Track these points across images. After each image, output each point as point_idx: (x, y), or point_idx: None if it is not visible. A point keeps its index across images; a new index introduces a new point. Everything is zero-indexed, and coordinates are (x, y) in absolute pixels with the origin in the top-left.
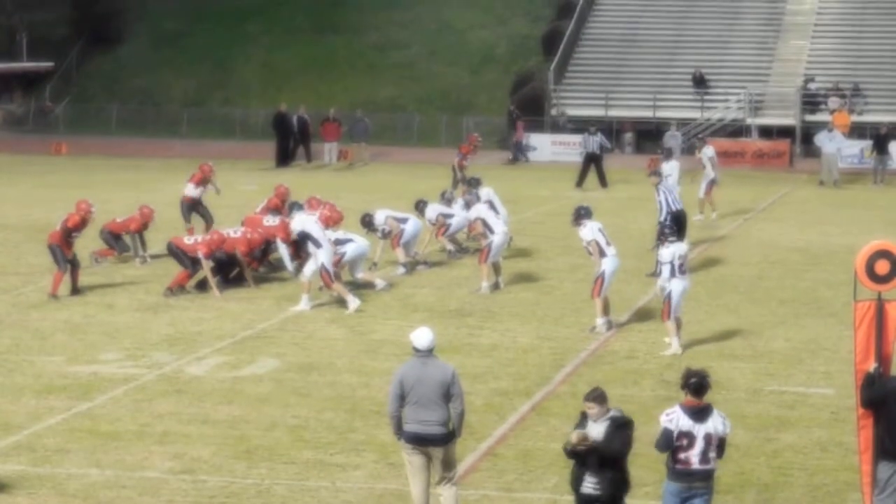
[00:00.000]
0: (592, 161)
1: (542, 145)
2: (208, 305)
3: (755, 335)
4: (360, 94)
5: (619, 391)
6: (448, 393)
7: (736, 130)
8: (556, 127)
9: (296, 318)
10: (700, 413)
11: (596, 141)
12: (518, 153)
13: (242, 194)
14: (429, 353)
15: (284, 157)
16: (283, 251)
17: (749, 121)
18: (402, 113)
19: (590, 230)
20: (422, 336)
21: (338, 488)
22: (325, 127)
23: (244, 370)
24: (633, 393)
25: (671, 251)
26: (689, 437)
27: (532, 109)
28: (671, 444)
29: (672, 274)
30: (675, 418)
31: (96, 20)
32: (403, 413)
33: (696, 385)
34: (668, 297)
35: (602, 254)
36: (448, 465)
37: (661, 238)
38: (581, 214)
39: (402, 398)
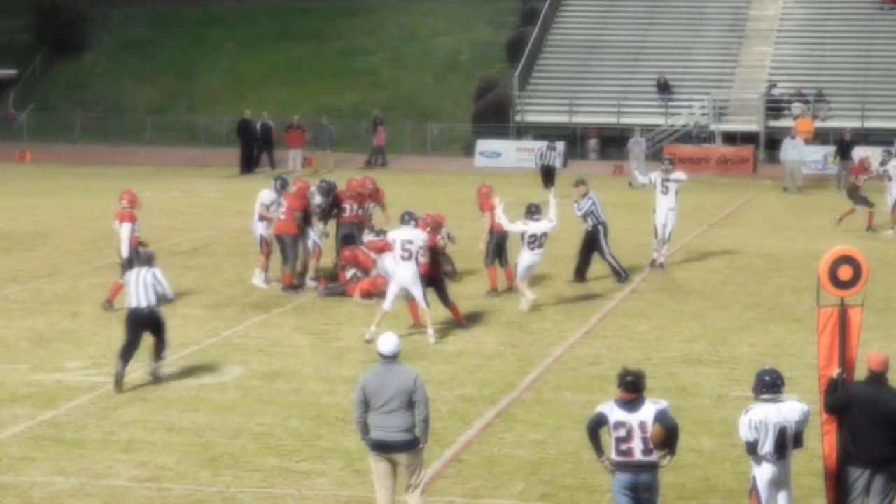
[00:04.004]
0: (548, 174)
1: (507, 151)
2: (173, 313)
3: (720, 341)
4: (325, 100)
5: (584, 397)
6: (411, 399)
7: (700, 136)
8: (520, 133)
9: (260, 325)
10: (633, 404)
11: (554, 156)
12: (374, 156)
13: (208, 201)
14: (393, 359)
15: (249, 164)
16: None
17: (713, 127)
18: (366, 119)
19: (534, 227)
20: (387, 342)
21: (303, 496)
22: (289, 133)
23: (209, 377)
24: (598, 398)
25: (528, 227)
26: (626, 427)
27: (496, 116)
28: (599, 424)
29: (523, 244)
30: (610, 408)
31: (60, 27)
32: (368, 420)
33: (631, 383)
34: (514, 265)
35: (530, 247)
36: (414, 471)
37: (527, 215)
38: (532, 211)
39: (365, 404)
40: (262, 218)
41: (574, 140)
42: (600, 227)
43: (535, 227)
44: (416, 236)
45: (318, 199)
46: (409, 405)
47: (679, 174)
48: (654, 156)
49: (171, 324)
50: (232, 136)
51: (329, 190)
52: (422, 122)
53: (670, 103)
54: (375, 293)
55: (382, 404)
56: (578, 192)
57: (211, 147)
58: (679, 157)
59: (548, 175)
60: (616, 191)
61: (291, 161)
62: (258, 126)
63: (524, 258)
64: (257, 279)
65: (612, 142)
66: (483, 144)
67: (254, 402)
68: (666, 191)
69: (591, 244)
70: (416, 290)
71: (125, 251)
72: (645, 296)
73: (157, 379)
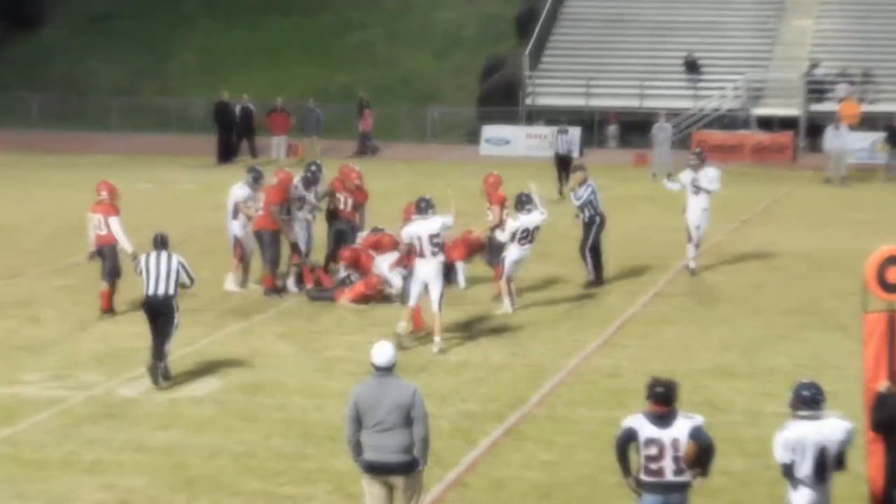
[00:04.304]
0: (563, 164)
1: (516, 138)
2: (143, 319)
3: (753, 350)
4: (312, 81)
5: (601, 413)
6: (409, 416)
7: (732, 122)
8: (531, 118)
9: (241, 332)
10: (665, 419)
11: (566, 140)
12: (364, 145)
13: (181, 194)
14: (389, 370)
15: (227, 152)
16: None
17: (748, 111)
18: (358, 103)
19: (526, 220)
20: (382, 352)
21: None
22: (272, 118)
23: (183, 391)
24: (617, 415)
25: (520, 222)
26: (658, 444)
27: (504, 98)
28: (629, 440)
29: (513, 240)
30: (640, 423)
31: (15, 1)
32: (361, 438)
33: (662, 395)
34: (502, 261)
35: (520, 242)
36: (412, 496)
37: (518, 206)
38: (523, 202)
39: (358, 421)
40: (239, 215)
41: (591, 126)
42: (597, 219)
43: (527, 220)
44: (441, 225)
45: (300, 193)
46: (407, 422)
47: (710, 174)
48: (681, 143)
49: (141, 331)
50: (208, 122)
51: (313, 180)
52: (420, 106)
53: (699, 85)
54: (372, 295)
55: (377, 421)
56: (576, 180)
57: (184, 133)
58: (709, 144)
59: (563, 165)
60: (638, 183)
61: (275, 149)
62: (237, 110)
63: (512, 252)
64: (230, 283)
65: (634, 128)
66: (489, 131)
67: (233, 418)
68: (697, 191)
69: (595, 232)
70: (436, 289)
71: (129, 246)
72: (670, 300)
73: (159, 379)
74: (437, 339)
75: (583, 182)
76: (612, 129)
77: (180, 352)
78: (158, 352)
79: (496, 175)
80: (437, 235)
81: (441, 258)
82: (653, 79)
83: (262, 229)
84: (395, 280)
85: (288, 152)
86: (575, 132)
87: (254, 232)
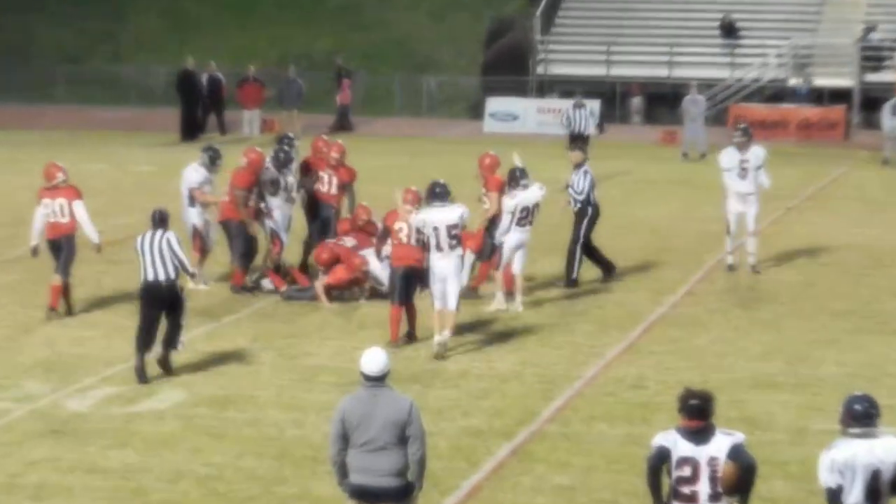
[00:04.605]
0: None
1: (526, 113)
2: (94, 321)
3: (800, 358)
4: (291, 46)
5: (623, 430)
6: (404, 434)
7: (776, 94)
8: (543, 90)
9: (208, 336)
10: (700, 435)
11: (584, 115)
12: (344, 120)
13: (139, 177)
14: (381, 381)
15: (192, 129)
16: None
17: (792, 82)
18: (336, 71)
19: (525, 197)
20: (373, 359)
21: None
22: (243, 89)
23: (141, 404)
24: (642, 432)
25: (518, 199)
26: (692, 463)
27: (512, 67)
28: (662, 460)
29: (511, 223)
30: (673, 440)
31: None
32: (348, 458)
33: (698, 408)
34: (499, 246)
35: (519, 223)
36: None
37: (513, 183)
38: (517, 177)
39: (345, 439)
40: (196, 203)
41: (613, 99)
42: (590, 210)
43: (525, 197)
44: (461, 215)
45: (272, 173)
46: (401, 441)
47: (759, 155)
48: (716, 119)
49: (92, 335)
50: (170, 93)
51: (287, 159)
52: (415, 75)
53: (737, 51)
54: (357, 280)
55: (367, 440)
56: (575, 159)
57: (143, 106)
58: (749, 120)
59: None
60: (666, 164)
61: (247, 125)
62: (204, 79)
63: (511, 237)
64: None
65: (662, 101)
66: (495, 104)
67: (199, 435)
68: (744, 174)
69: (586, 225)
70: (453, 286)
71: (96, 236)
72: (703, 299)
73: (166, 371)
74: (446, 332)
75: (580, 164)
76: (637, 103)
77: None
78: (172, 339)
79: (493, 156)
80: (455, 227)
81: (459, 252)
82: (684, 44)
83: (228, 219)
84: (384, 277)
85: (262, 128)
86: (593, 106)
87: (220, 222)
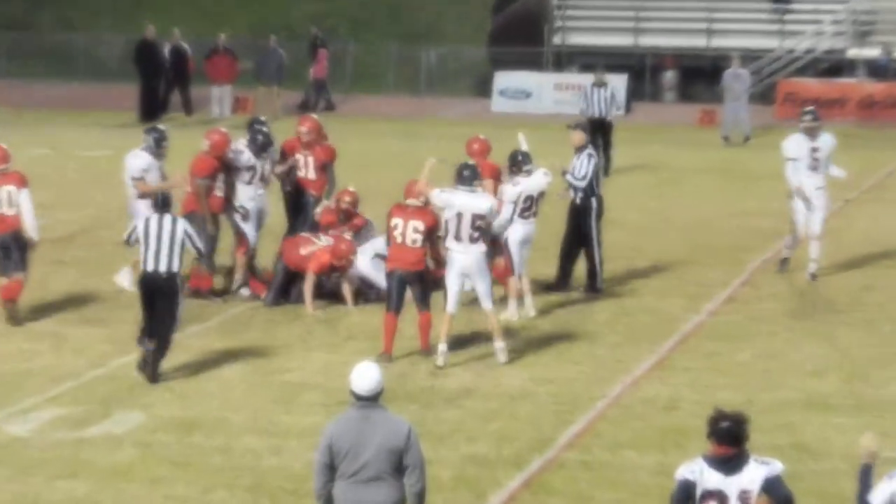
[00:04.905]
0: (599, 130)
1: (541, 90)
2: (39, 331)
3: (859, 375)
4: (267, 12)
5: (653, 458)
6: (400, 462)
7: (832, 67)
8: (560, 63)
9: (172, 349)
10: (731, 463)
11: (603, 97)
12: (317, 94)
13: (91, 162)
14: (373, 401)
15: (152, 108)
16: None
17: (852, 53)
18: (330, 41)
19: (528, 185)
20: (365, 376)
21: None
22: (212, 62)
23: (93, 428)
24: (675, 461)
25: (522, 186)
26: (719, 497)
27: (525, 36)
28: (687, 496)
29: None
30: (699, 470)
31: None
32: (335, 491)
33: (728, 432)
34: (504, 245)
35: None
36: None
37: (514, 168)
38: (520, 161)
39: (332, 470)
40: (143, 195)
41: (642, 73)
42: (593, 202)
43: (530, 184)
44: (490, 207)
45: (247, 159)
46: (397, 471)
47: (829, 143)
48: (763, 96)
49: (37, 348)
50: (127, 66)
51: (266, 142)
52: (413, 46)
53: (787, 17)
54: (342, 267)
55: (357, 469)
56: (576, 140)
57: (95, 81)
58: (801, 97)
59: (601, 132)
60: (704, 149)
61: (216, 103)
62: (166, 50)
63: (515, 231)
64: (123, 278)
65: (699, 75)
66: (505, 79)
67: (160, 464)
68: (815, 165)
69: (580, 227)
70: (483, 284)
71: (35, 232)
72: (747, 307)
73: (149, 374)
74: (500, 344)
75: (582, 147)
76: (670, 77)
77: (89, 374)
78: (161, 343)
79: (482, 139)
80: (482, 217)
81: (482, 248)
82: (724, 9)
83: (193, 212)
84: (381, 278)
85: (234, 108)
86: (617, 85)
87: (183, 217)
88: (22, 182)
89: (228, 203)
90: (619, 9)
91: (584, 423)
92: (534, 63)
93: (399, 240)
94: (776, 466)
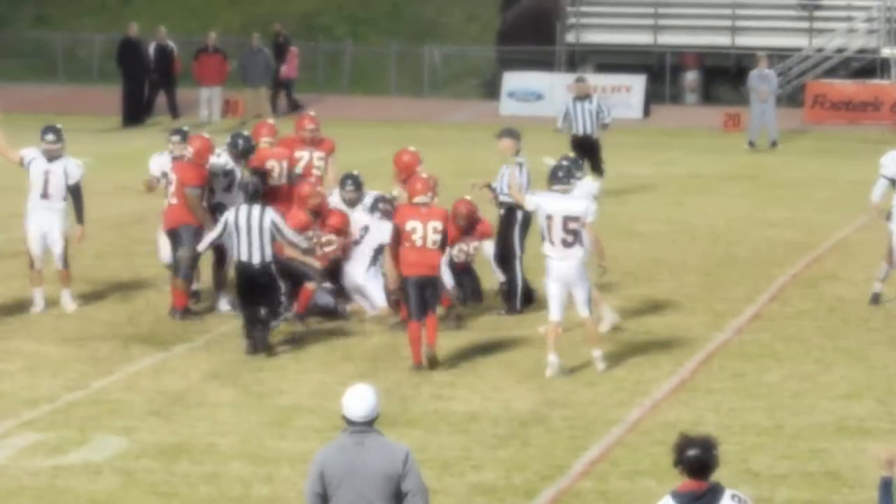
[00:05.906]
0: (585, 150)
1: (553, 91)
2: (13, 350)
3: (895, 397)
4: (259, 9)
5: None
6: (398, 490)
7: (865, 68)
8: (574, 63)
9: (154, 370)
10: (703, 500)
11: (589, 111)
12: (287, 94)
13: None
14: (369, 426)
15: (136, 111)
16: None
17: (886, 52)
18: (327, 40)
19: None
20: (359, 399)
21: None
22: (201, 62)
23: (71, 455)
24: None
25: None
26: None
27: (535, 35)
28: None
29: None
30: None
31: None
32: None
33: (696, 461)
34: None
35: None
36: None
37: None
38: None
39: (324, 499)
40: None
41: (661, 73)
42: (518, 213)
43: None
44: (585, 208)
45: (223, 163)
46: (395, 499)
47: None
48: (790, 99)
49: (10, 368)
50: (110, 66)
51: (245, 149)
52: (416, 44)
53: (817, 14)
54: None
55: (351, 499)
56: (505, 149)
57: (75, 83)
58: (831, 100)
59: (584, 150)
60: (729, 155)
61: (205, 105)
62: (151, 50)
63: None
64: (65, 300)
65: (723, 76)
66: (514, 80)
67: (144, 494)
68: None
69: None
70: (581, 292)
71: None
72: (775, 324)
73: (262, 343)
74: (597, 353)
75: (516, 152)
76: (691, 78)
77: (66, 398)
78: (270, 314)
79: (412, 152)
80: (575, 220)
81: (579, 253)
82: (750, 5)
83: (180, 226)
84: (376, 293)
85: (224, 110)
86: (638, 85)
87: (167, 232)
88: None
89: (214, 212)
90: (636, 4)
91: (599, 450)
92: (545, 63)
93: (419, 243)
94: (746, 501)
